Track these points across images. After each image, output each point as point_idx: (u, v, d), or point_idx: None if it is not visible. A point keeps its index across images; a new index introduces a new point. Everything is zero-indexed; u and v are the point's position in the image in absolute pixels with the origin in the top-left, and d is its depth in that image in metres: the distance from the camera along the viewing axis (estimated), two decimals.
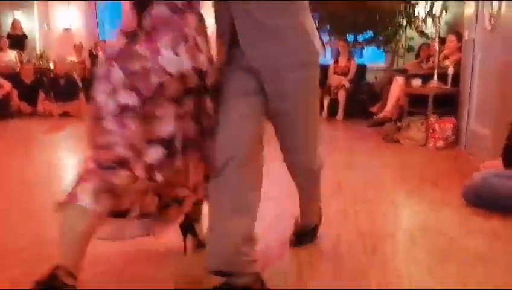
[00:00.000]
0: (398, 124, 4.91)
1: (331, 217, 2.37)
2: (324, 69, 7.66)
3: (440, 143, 4.40)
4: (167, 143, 1.31)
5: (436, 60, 4.76)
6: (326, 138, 5.38)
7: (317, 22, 6.91)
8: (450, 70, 4.61)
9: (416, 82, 4.89)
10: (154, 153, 1.30)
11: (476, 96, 4.09)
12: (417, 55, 6.59)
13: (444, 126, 4.38)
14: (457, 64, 4.65)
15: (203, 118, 1.41)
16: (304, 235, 2.00)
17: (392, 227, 2.38)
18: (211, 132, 1.42)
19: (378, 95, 6.46)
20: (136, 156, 1.27)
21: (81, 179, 1.28)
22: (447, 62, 4.82)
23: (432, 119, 4.46)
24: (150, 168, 1.30)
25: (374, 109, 6.29)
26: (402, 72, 6.06)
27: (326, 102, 7.11)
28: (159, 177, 1.31)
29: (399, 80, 5.46)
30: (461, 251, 1.99)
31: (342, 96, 6.99)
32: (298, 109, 1.52)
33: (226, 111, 1.42)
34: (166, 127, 1.30)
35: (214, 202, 1.43)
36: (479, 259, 1.90)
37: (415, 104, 4.91)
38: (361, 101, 6.96)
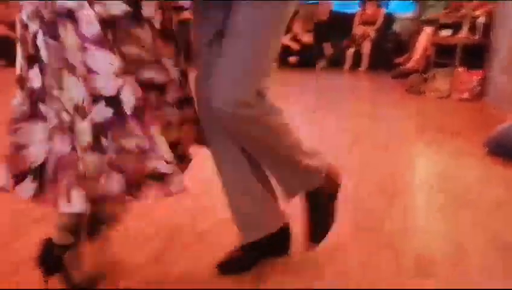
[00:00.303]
0: (424, 75, 4.84)
1: (352, 165, 2.44)
2: (350, 17, 7.47)
3: (465, 95, 4.35)
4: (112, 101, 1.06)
5: (467, 10, 4.61)
6: (349, 89, 5.37)
7: None
8: (481, 20, 4.46)
9: (445, 32, 4.76)
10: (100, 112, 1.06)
11: (506, 48, 3.98)
12: (447, 6, 6.33)
13: (471, 78, 4.31)
14: (488, 15, 4.49)
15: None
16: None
17: (412, 175, 2.43)
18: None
19: (404, 45, 6.32)
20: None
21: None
22: (477, 12, 4.65)
23: (459, 70, 4.39)
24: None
25: (399, 60, 6.17)
26: (431, 22, 5.88)
27: (350, 52, 7.00)
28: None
29: (427, 30, 5.31)
30: (480, 199, 2.04)
31: (366, 46, 6.85)
32: (244, 30, 1.18)
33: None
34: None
35: None
36: (498, 206, 1.95)
37: (443, 55, 4.80)
38: (386, 52, 6.81)
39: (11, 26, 6.54)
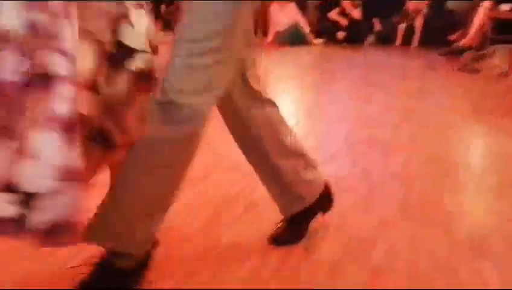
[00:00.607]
0: (479, 52, 4.61)
1: (400, 142, 2.39)
2: None
3: None
4: None
5: None
6: (398, 66, 5.20)
7: None
8: None
9: (505, 6, 4.50)
10: None
11: None
12: None
13: None
14: None
15: None
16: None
17: (463, 154, 2.35)
18: None
19: (458, 22, 6.02)
20: None
21: None
22: None
23: None
24: None
25: (453, 37, 5.91)
26: None
27: (401, 28, 6.76)
28: None
29: (485, 4, 5.04)
30: None
31: (419, 22, 6.60)
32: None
33: None
34: None
35: None
36: None
37: (501, 31, 4.55)
38: (439, 28, 6.53)
39: None
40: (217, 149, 2.12)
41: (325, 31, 7.01)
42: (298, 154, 1.35)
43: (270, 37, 7.07)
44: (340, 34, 6.68)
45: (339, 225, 1.52)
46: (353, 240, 1.43)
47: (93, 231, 1.05)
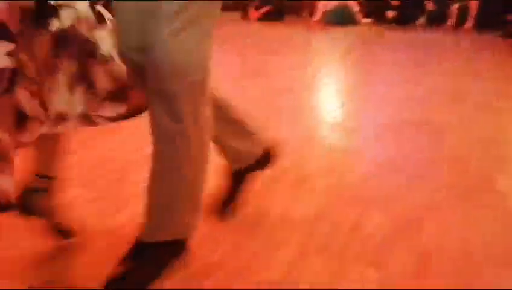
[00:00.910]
0: None
1: (451, 124, 2.32)
2: None
3: None
4: None
5: None
6: (452, 47, 5.01)
7: None
8: None
9: None
10: None
11: None
12: None
13: None
14: None
15: None
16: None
17: None
18: None
19: None
20: None
21: None
22: None
23: None
24: None
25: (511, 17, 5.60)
26: None
27: (454, 8, 6.47)
28: None
29: None
30: None
31: (474, 1, 6.29)
32: None
33: None
34: None
35: None
36: None
37: None
38: (496, 8, 6.20)
39: None
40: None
41: (374, 10, 6.81)
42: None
43: (317, 17, 6.94)
44: (390, 14, 6.47)
45: (387, 205, 1.51)
46: (402, 220, 1.41)
47: (150, 231, 1.08)
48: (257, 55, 4.23)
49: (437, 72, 3.58)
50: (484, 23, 6.21)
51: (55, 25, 1.00)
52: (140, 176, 1.24)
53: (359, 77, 3.58)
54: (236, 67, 3.75)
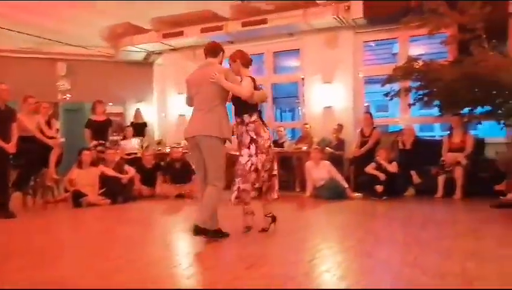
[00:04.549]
0: None
1: None
2: (435, 143, 7.30)
3: None
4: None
5: None
6: (446, 221, 4.97)
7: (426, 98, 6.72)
8: None
9: None
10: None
11: None
12: None
13: None
14: None
15: None
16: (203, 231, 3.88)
17: None
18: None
19: (502, 172, 5.91)
20: None
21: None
22: None
23: None
24: None
25: (500, 187, 5.74)
26: None
27: (441, 179, 6.68)
28: None
29: None
30: None
31: (458, 173, 6.53)
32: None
33: None
34: None
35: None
36: None
37: None
38: (482, 179, 6.41)
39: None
40: None
41: (363, 185, 7.00)
42: None
43: (308, 192, 7.11)
44: (379, 188, 6.62)
45: None
46: None
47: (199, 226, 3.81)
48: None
49: (439, 252, 3.45)
50: (474, 194, 6.36)
51: None
52: None
53: (356, 259, 3.42)
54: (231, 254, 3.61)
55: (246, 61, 4.29)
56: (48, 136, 6.95)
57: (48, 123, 7.16)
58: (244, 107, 4.16)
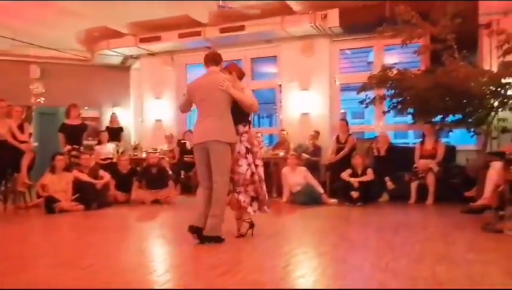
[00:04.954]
0: (500, 212, 4.51)
1: None
2: (409, 150, 7.45)
3: None
4: None
5: None
6: (417, 226, 5.08)
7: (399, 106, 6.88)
8: None
9: None
10: None
11: None
12: None
13: None
14: None
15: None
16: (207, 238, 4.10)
17: None
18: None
19: (472, 178, 6.08)
20: None
21: None
22: None
23: None
24: None
25: (469, 193, 5.90)
26: (498, 154, 5.69)
27: (414, 186, 6.83)
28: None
29: (496, 165, 5.11)
30: None
31: (430, 180, 6.69)
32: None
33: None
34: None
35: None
36: None
37: None
38: (453, 185, 6.58)
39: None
40: None
41: (339, 191, 7.10)
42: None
43: (284, 198, 7.16)
44: (354, 194, 6.71)
45: None
46: None
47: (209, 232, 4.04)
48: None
49: (409, 256, 3.53)
50: (445, 200, 6.52)
51: None
52: None
53: (331, 264, 3.47)
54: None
55: (241, 74, 4.48)
56: (20, 140, 6.81)
57: (21, 127, 7.02)
58: (239, 117, 4.26)
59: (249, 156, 4.26)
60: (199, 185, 4.35)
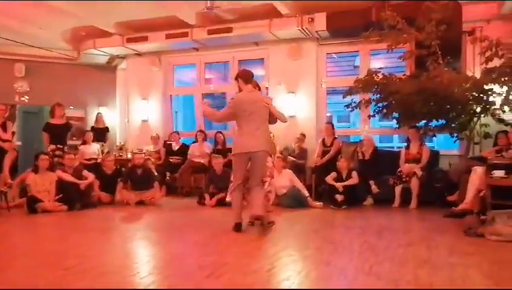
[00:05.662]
0: (482, 217, 4.59)
1: None
2: (394, 154, 7.53)
3: None
4: None
5: None
6: (400, 229, 5.13)
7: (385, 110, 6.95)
8: None
9: (499, 173, 4.62)
10: None
11: None
12: (495, 143, 6.32)
13: None
14: None
15: None
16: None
17: None
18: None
19: (454, 183, 6.17)
20: None
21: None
22: None
23: None
24: None
25: (451, 198, 5.98)
26: (479, 159, 5.80)
27: (398, 190, 6.90)
28: None
29: (478, 170, 5.20)
30: None
31: (414, 184, 6.76)
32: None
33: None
34: None
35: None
36: None
37: (499, 196, 4.59)
38: (436, 190, 6.67)
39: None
40: None
41: (324, 194, 7.13)
42: None
43: (270, 201, 7.16)
44: (339, 197, 6.76)
45: None
46: None
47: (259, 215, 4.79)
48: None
49: (392, 260, 3.57)
50: (428, 203, 6.61)
51: None
52: None
53: (315, 267, 3.49)
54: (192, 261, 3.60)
55: (247, 78, 4.95)
56: (2, 139, 6.71)
57: (3, 126, 6.92)
58: None
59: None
60: (233, 187, 4.89)
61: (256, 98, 4.89)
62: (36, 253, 4.03)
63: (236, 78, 5.05)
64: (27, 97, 10.21)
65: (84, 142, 8.82)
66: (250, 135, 4.76)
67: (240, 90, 4.97)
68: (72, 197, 6.60)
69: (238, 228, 4.77)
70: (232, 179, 5.40)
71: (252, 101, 4.83)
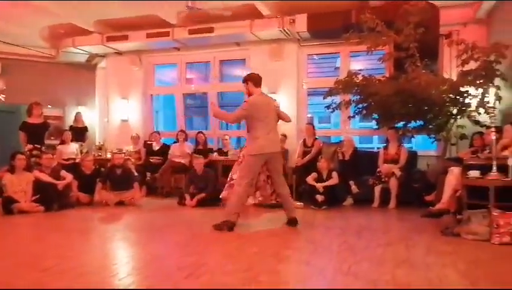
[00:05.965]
0: (458, 216, 4.68)
1: None
2: (374, 155, 7.62)
3: (506, 238, 4.13)
4: None
5: (494, 150, 4.63)
6: (379, 229, 5.20)
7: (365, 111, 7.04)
8: (510, 161, 4.45)
9: (474, 173, 4.72)
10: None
11: None
12: (471, 144, 6.45)
13: (510, 220, 4.13)
14: None
15: None
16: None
17: None
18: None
19: (432, 183, 6.28)
20: None
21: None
22: (506, 152, 4.66)
23: (494, 213, 4.23)
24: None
25: (429, 198, 6.09)
26: (456, 160, 5.91)
27: (377, 190, 6.99)
28: None
29: (454, 171, 5.30)
30: None
31: (393, 184, 6.86)
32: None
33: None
34: None
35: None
36: None
37: (475, 196, 4.69)
38: (414, 190, 6.77)
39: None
40: None
41: (304, 194, 7.18)
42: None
43: (251, 201, 7.16)
44: (319, 197, 6.80)
45: None
46: None
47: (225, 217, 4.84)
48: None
49: (371, 260, 3.62)
50: (407, 203, 6.71)
51: None
52: None
53: (294, 268, 3.51)
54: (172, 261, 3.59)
55: (257, 82, 5.12)
56: None
57: None
58: None
59: None
60: (244, 185, 4.96)
61: (269, 101, 5.14)
62: (13, 254, 3.95)
63: (245, 81, 5.12)
64: (3, 96, 9.98)
65: (63, 142, 8.68)
66: (267, 136, 4.95)
67: (249, 93, 5.07)
68: (50, 198, 6.49)
69: (232, 227, 4.83)
70: (234, 176, 5.80)
71: (265, 104, 5.04)
